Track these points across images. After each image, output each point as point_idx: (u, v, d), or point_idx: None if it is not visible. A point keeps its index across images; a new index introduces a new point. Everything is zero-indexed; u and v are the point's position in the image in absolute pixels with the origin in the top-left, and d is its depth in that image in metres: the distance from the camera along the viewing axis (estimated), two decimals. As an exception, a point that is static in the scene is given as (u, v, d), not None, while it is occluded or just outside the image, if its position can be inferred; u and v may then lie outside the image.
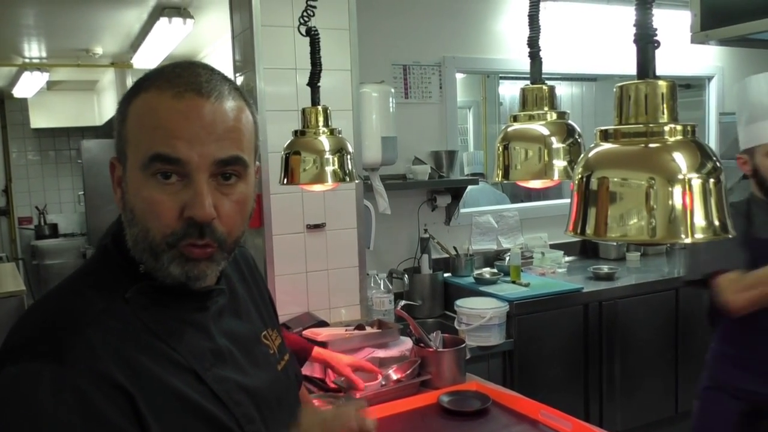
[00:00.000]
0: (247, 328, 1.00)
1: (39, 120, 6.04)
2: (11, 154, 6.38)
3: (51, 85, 5.67)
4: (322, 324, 2.35)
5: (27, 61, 4.80)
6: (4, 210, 6.51)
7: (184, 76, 0.82)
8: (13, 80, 5.36)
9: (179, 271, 0.82)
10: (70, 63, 4.81)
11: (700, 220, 0.66)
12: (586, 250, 3.93)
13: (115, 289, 0.83)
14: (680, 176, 0.66)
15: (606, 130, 0.71)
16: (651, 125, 0.69)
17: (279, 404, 0.98)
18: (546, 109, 1.25)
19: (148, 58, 4.40)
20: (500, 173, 1.27)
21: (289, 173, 1.64)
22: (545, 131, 1.22)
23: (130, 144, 0.83)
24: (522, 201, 4.15)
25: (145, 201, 0.81)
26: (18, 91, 5.57)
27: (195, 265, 0.83)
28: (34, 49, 4.50)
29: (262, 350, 1.01)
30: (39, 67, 4.86)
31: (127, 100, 0.84)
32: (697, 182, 0.66)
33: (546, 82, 1.28)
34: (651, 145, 0.68)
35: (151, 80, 0.83)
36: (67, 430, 0.71)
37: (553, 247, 3.77)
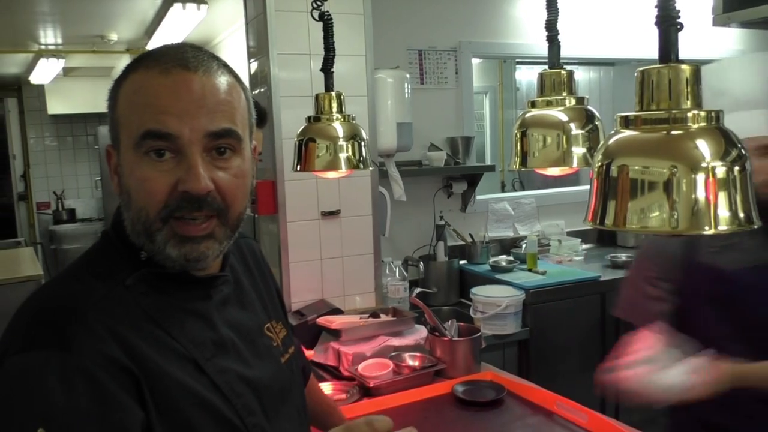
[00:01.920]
0: (251, 319, 0.98)
1: (56, 106, 6.08)
2: (29, 140, 6.43)
3: (67, 72, 5.70)
4: (337, 312, 2.34)
5: (43, 47, 4.82)
6: (22, 195, 6.58)
7: (170, 54, 0.82)
8: (30, 67, 5.39)
9: (176, 253, 0.81)
10: (86, 49, 4.83)
11: (724, 211, 0.63)
12: (604, 238, 3.88)
13: (116, 276, 0.83)
14: (704, 164, 0.63)
15: (627, 117, 0.68)
16: (673, 111, 0.67)
17: (282, 397, 0.97)
18: (564, 94, 1.23)
19: (162, 45, 4.39)
20: (518, 161, 1.25)
21: (303, 160, 1.62)
22: (564, 117, 1.19)
23: (122, 126, 0.82)
24: (539, 188, 4.11)
25: (138, 180, 0.80)
26: (35, 78, 5.60)
27: (193, 246, 0.81)
28: (50, 36, 4.51)
29: (265, 342, 0.99)
30: (55, 53, 4.88)
31: (117, 85, 0.84)
32: (721, 170, 0.64)
33: (564, 66, 1.25)
34: (673, 132, 0.66)
35: (139, 62, 0.83)
36: (80, 414, 0.71)
37: (570, 234, 3.73)
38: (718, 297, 1.51)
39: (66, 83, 5.97)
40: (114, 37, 4.50)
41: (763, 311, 1.46)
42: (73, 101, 6.07)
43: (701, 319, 1.53)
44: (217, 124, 0.81)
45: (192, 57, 0.82)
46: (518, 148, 1.24)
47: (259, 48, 2.51)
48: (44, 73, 5.35)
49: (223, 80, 0.83)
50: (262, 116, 1.71)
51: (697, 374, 1.34)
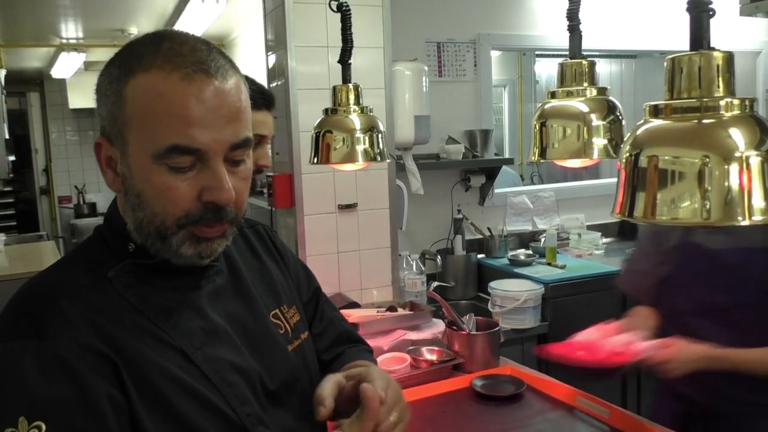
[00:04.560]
0: (251, 308, 0.97)
1: (77, 100, 6.13)
2: (51, 134, 6.51)
3: (88, 66, 5.74)
4: (354, 305, 2.33)
5: (64, 41, 4.85)
6: (44, 189, 6.66)
7: (184, 54, 0.79)
8: (51, 61, 5.44)
9: (192, 251, 0.82)
10: (106, 43, 4.85)
11: (759, 201, 0.61)
12: (625, 232, 3.83)
13: (101, 269, 0.83)
14: (737, 154, 0.61)
15: (656, 106, 0.66)
16: (705, 99, 0.65)
17: (286, 386, 0.95)
18: (585, 85, 1.21)
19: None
20: (537, 152, 1.23)
21: (319, 152, 1.61)
22: (584, 108, 1.17)
23: (133, 129, 0.79)
24: (558, 181, 4.07)
25: (157, 188, 0.79)
26: (56, 72, 5.65)
27: (208, 244, 0.82)
28: (70, 30, 4.55)
29: (271, 330, 0.98)
30: (76, 47, 4.92)
31: (121, 80, 0.80)
32: (755, 160, 0.62)
33: (586, 57, 1.23)
34: (705, 121, 0.64)
35: (147, 58, 0.79)
36: (59, 401, 0.72)
37: (590, 228, 3.69)
38: (698, 272, 1.65)
39: (87, 77, 6.00)
40: (134, 30, 4.51)
41: (730, 291, 1.60)
42: (94, 95, 6.12)
43: (675, 293, 1.70)
44: (238, 135, 0.80)
45: (210, 59, 0.79)
46: (537, 139, 1.22)
47: (277, 41, 2.50)
48: (65, 67, 5.39)
49: (235, 82, 0.81)
50: (270, 100, 1.72)
51: (665, 350, 1.49)
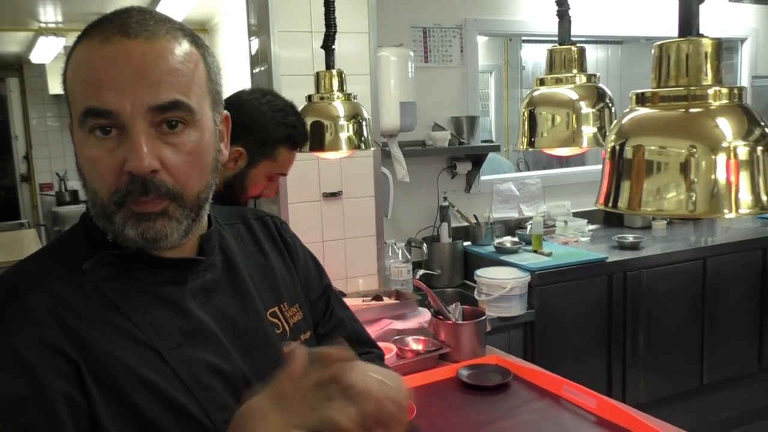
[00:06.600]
0: (246, 306, 0.91)
1: (57, 86, 5.98)
2: (31, 120, 6.39)
3: (68, 51, 5.65)
4: (340, 295, 2.31)
5: (43, 25, 4.76)
6: (25, 176, 6.56)
7: (114, 21, 0.76)
8: (30, 46, 5.34)
9: (134, 232, 0.76)
10: (86, 28, 4.77)
11: (746, 194, 0.59)
12: (611, 219, 3.84)
13: (77, 260, 0.80)
14: (725, 144, 0.60)
15: (642, 94, 0.64)
16: (693, 88, 0.63)
17: None
18: (575, 71, 1.20)
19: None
20: (525, 140, 1.21)
21: (302, 140, 1.59)
22: (574, 95, 1.16)
23: (71, 103, 0.78)
24: (544, 168, 4.06)
25: (87, 160, 0.76)
26: (36, 57, 5.54)
27: (150, 225, 0.76)
28: (49, 14, 4.45)
29: (266, 330, 0.92)
30: (55, 32, 4.82)
31: (67, 58, 0.79)
32: (743, 151, 0.60)
33: (575, 43, 1.21)
34: (692, 110, 0.62)
35: (85, 30, 0.78)
36: (12, 399, 0.69)
37: (577, 215, 3.69)
38: None
39: (67, 63, 5.91)
40: (114, 15, 4.44)
41: None
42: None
43: None
44: (161, 96, 0.75)
45: (135, 22, 0.76)
46: (526, 127, 1.20)
47: (260, 26, 2.46)
48: (45, 51, 5.29)
49: (171, 46, 0.77)
50: (296, 139, 1.61)
51: None
